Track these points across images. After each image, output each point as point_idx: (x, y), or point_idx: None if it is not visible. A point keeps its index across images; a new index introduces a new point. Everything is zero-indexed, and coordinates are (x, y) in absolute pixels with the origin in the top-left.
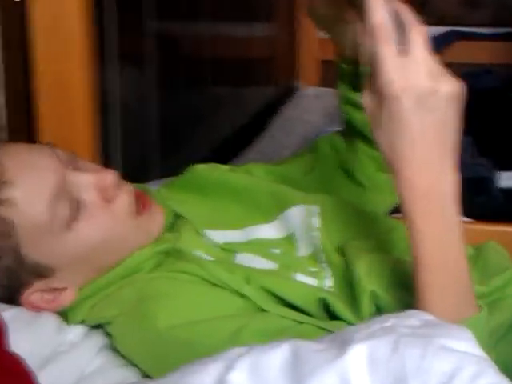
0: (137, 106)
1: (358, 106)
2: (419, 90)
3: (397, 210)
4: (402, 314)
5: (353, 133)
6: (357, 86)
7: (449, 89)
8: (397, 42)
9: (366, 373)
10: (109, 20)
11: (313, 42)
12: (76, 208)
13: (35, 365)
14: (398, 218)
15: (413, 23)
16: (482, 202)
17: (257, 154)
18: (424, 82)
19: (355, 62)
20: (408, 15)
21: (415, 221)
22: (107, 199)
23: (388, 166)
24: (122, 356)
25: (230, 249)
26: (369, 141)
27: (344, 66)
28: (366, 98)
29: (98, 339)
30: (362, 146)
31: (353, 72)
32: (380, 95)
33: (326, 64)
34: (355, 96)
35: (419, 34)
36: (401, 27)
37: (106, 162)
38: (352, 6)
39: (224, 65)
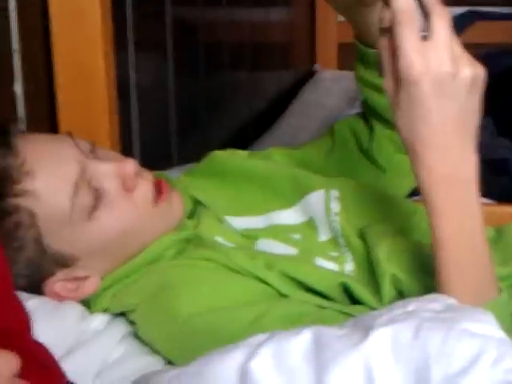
0: (155, 93)
1: (375, 88)
2: (439, 75)
3: (415, 192)
4: (424, 298)
5: (371, 114)
6: (376, 69)
7: (470, 73)
8: (419, 26)
9: (388, 358)
10: (127, 7)
11: (331, 25)
12: (97, 197)
13: (59, 353)
14: (418, 201)
15: (436, 7)
16: (504, 184)
17: (275, 139)
18: (444, 67)
19: (374, 45)
20: None
21: (435, 205)
22: (128, 188)
23: (408, 151)
24: (145, 343)
25: (250, 235)
26: (387, 122)
27: (362, 48)
28: (387, 82)
29: (121, 327)
30: (380, 128)
31: (371, 54)
32: (400, 79)
33: (343, 47)
34: (373, 78)
35: (442, 18)
36: (423, 11)
37: (126, 150)
38: None
39: (242, 50)
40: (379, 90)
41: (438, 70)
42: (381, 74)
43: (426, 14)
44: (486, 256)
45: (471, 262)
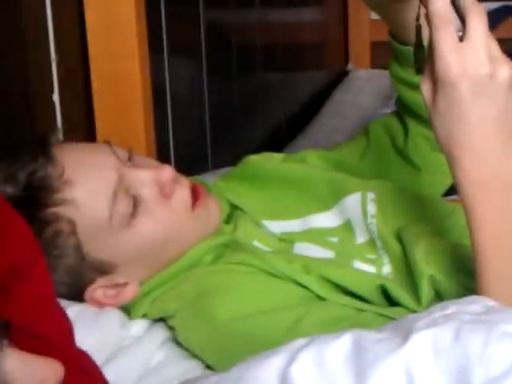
0: (190, 97)
1: (410, 85)
2: (477, 76)
3: (451, 191)
4: (463, 300)
5: (406, 112)
6: (419, 70)
7: (508, 74)
8: (456, 27)
9: (429, 361)
10: (161, 11)
11: (363, 23)
12: (135, 204)
13: (101, 360)
14: (455, 201)
15: (472, 6)
16: None
17: (310, 140)
18: (482, 68)
19: (409, 42)
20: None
21: (474, 209)
22: (165, 195)
23: (445, 154)
24: (185, 349)
25: (287, 239)
26: (422, 119)
27: (397, 45)
28: (424, 84)
29: (160, 332)
30: (415, 126)
31: (414, 56)
32: (438, 81)
33: (376, 46)
34: (408, 75)
35: (478, 18)
36: (460, 10)
37: (162, 155)
38: None
39: (275, 51)
40: (414, 87)
41: (476, 71)
42: (417, 72)
43: (461, 13)
44: None
45: (509, 266)
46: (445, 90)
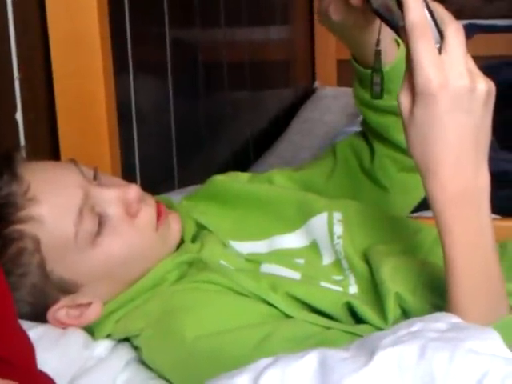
0: (156, 116)
1: (374, 108)
2: (457, 88)
3: (417, 209)
4: (429, 317)
5: (371, 134)
6: (376, 95)
7: (485, 88)
8: (434, 39)
9: (394, 379)
10: (126, 30)
11: (330, 41)
12: (100, 223)
13: (64, 382)
14: (420, 219)
15: (449, 20)
16: (506, 197)
17: (277, 157)
18: (462, 81)
19: (370, 65)
20: (443, 12)
21: (446, 222)
22: (131, 214)
23: (420, 169)
24: (150, 369)
25: (254, 259)
26: (388, 141)
27: (359, 68)
28: (401, 96)
29: (125, 353)
30: (381, 147)
31: (372, 81)
32: (416, 93)
33: (343, 64)
34: (373, 99)
35: (456, 31)
36: (437, 25)
37: (127, 173)
38: (366, 11)
39: (242, 69)
40: (377, 110)
41: (457, 83)
42: (372, 96)
43: (437, 25)
44: (498, 273)
45: (483, 279)
46: (424, 102)
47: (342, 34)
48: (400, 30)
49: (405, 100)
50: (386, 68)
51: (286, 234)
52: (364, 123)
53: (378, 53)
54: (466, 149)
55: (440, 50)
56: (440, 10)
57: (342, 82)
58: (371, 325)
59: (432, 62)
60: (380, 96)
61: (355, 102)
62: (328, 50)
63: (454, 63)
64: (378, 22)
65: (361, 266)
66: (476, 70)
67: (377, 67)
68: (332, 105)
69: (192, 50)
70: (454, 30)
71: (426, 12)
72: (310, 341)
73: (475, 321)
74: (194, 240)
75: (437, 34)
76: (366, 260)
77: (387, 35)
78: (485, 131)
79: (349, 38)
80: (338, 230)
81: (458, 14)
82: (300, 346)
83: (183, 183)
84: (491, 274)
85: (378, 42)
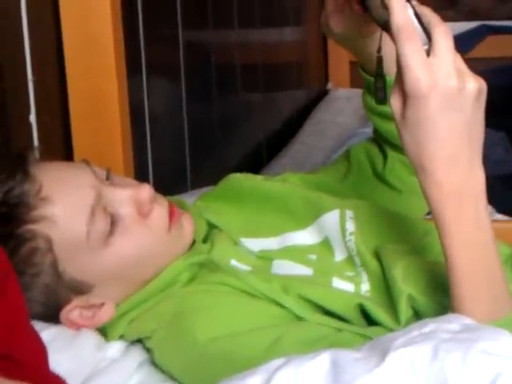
0: (169, 117)
1: (382, 116)
2: (447, 89)
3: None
4: (441, 318)
5: (382, 140)
6: (380, 101)
7: (475, 86)
8: (421, 42)
9: (407, 380)
10: (139, 32)
11: None
12: (113, 223)
13: (77, 383)
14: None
15: (436, 23)
16: None
17: (290, 159)
18: (452, 81)
19: (376, 77)
20: (431, 15)
21: (445, 221)
22: (143, 214)
23: (416, 169)
24: (162, 370)
25: (266, 256)
26: (398, 148)
27: (367, 77)
28: (393, 99)
29: (137, 355)
30: (392, 152)
31: (375, 86)
32: (407, 96)
33: (356, 65)
34: (381, 107)
35: (443, 33)
36: (424, 27)
37: (140, 175)
38: (368, 20)
39: (255, 71)
40: (387, 117)
41: (446, 83)
42: (377, 101)
43: (425, 27)
44: (499, 271)
45: (484, 277)
46: (414, 104)
47: (346, 43)
48: (390, 34)
49: (396, 102)
50: (390, 76)
51: (298, 230)
52: (374, 130)
53: (379, 59)
54: (459, 146)
55: (428, 52)
56: (427, 13)
57: (355, 83)
58: (383, 326)
59: (420, 63)
60: (384, 101)
61: (364, 109)
62: (341, 51)
63: (443, 64)
64: (380, 29)
65: (373, 263)
66: (465, 69)
67: (379, 73)
68: (345, 106)
69: (205, 52)
70: (442, 32)
71: (413, 15)
72: (322, 343)
73: (479, 319)
74: (205, 240)
75: (424, 37)
76: (378, 258)
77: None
78: (477, 128)
79: (353, 48)
80: (351, 226)
81: (470, 15)
82: (312, 347)
83: (196, 185)
84: (492, 270)
85: (379, 49)
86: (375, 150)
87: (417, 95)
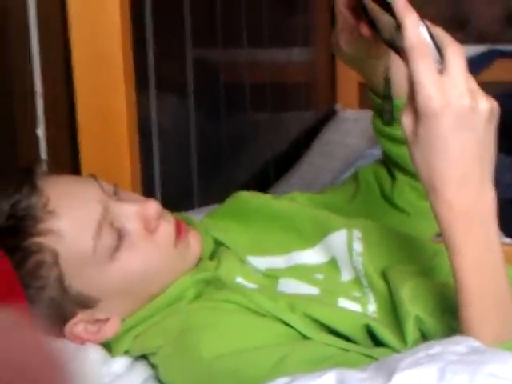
0: (177, 134)
1: (391, 139)
2: (459, 108)
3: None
4: (448, 340)
5: (391, 164)
6: (388, 122)
7: (487, 106)
8: (433, 61)
9: None
10: (148, 49)
11: None
12: (119, 238)
13: None
14: (441, 242)
15: (449, 42)
16: None
17: (298, 179)
18: (464, 100)
19: (384, 98)
20: (443, 34)
21: (455, 242)
22: (150, 229)
23: (426, 188)
24: None
25: (272, 275)
26: (407, 171)
27: (376, 99)
28: (404, 117)
29: (142, 370)
30: (401, 176)
31: (383, 108)
32: (419, 114)
33: (364, 86)
34: (388, 129)
35: (456, 52)
36: (437, 47)
37: (147, 191)
38: (378, 42)
39: (263, 90)
40: (396, 140)
41: (458, 103)
42: (384, 123)
43: (438, 47)
44: (508, 294)
45: (493, 300)
46: (426, 122)
47: (356, 64)
48: (402, 54)
49: (407, 120)
50: (400, 99)
51: (305, 249)
52: (383, 152)
53: (387, 81)
54: (471, 166)
55: (441, 71)
56: (440, 33)
57: (363, 104)
58: (390, 347)
59: (432, 81)
60: (391, 123)
61: (373, 132)
62: (350, 72)
63: (455, 83)
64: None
65: (380, 284)
66: (478, 89)
67: (386, 94)
68: (353, 128)
69: (214, 70)
70: (455, 51)
71: (427, 34)
72: (328, 362)
73: (487, 341)
74: (211, 257)
75: (437, 56)
76: (385, 279)
77: (401, 66)
78: (488, 149)
79: (363, 69)
80: (358, 247)
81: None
82: (317, 367)
83: (202, 202)
84: (501, 292)
85: (387, 70)
86: (384, 173)
87: (429, 113)
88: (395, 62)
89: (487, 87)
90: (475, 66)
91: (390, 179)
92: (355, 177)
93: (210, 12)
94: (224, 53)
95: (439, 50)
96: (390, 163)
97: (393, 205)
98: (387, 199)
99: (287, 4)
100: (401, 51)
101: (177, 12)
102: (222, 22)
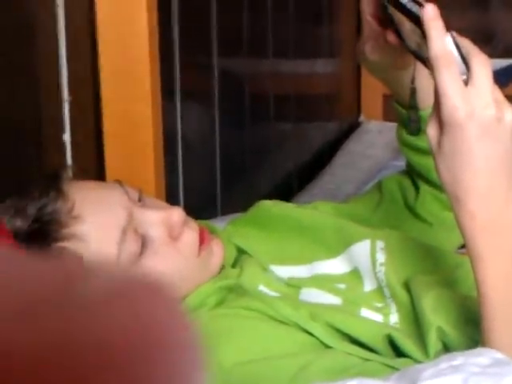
0: (201, 143)
1: (416, 150)
2: (485, 118)
3: (463, 245)
4: (471, 351)
5: (415, 174)
6: (413, 132)
7: None
8: (459, 71)
9: None
10: (175, 58)
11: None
12: (143, 244)
13: None
14: (465, 254)
15: (475, 53)
16: None
17: (320, 190)
18: (490, 111)
19: (410, 108)
20: (469, 45)
21: (479, 253)
22: (174, 237)
23: (450, 198)
24: None
25: (294, 284)
26: (431, 182)
27: (401, 110)
28: (429, 127)
29: None
30: (425, 187)
31: (408, 118)
32: (444, 124)
33: (389, 98)
34: (413, 140)
35: (482, 63)
36: (462, 57)
37: (171, 198)
38: (404, 51)
39: (287, 101)
40: (420, 151)
41: (484, 113)
42: (409, 132)
43: (463, 57)
44: None
45: None
46: (451, 132)
47: (381, 74)
48: (428, 64)
49: (432, 131)
50: (425, 110)
51: (327, 259)
52: (407, 163)
53: (413, 90)
54: (496, 177)
55: (466, 82)
56: (466, 44)
57: (387, 116)
58: (411, 358)
59: (457, 91)
60: (416, 133)
61: (398, 143)
62: (374, 84)
63: (481, 93)
64: (414, 61)
65: (402, 294)
66: (503, 100)
67: (412, 104)
68: (376, 139)
69: (239, 80)
70: (480, 62)
71: (453, 45)
72: (349, 372)
73: (509, 353)
74: (234, 265)
75: (463, 67)
76: (408, 289)
77: (427, 76)
78: None
79: (388, 79)
80: (381, 257)
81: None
82: (338, 376)
83: (226, 211)
84: None
85: (412, 80)
86: (408, 183)
87: (454, 124)
88: (421, 71)
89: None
90: (502, 78)
91: (414, 189)
92: (379, 186)
93: (236, 22)
94: (249, 63)
95: (465, 61)
96: (413, 173)
97: (416, 215)
98: (410, 209)
99: (313, 15)
100: (426, 61)
101: (203, 22)
102: (247, 33)
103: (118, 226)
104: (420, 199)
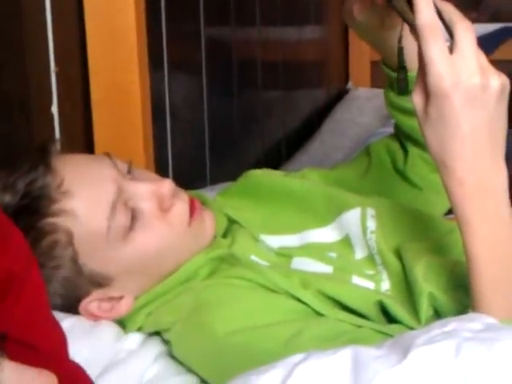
0: (189, 112)
1: (405, 112)
2: (470, 86)
3: (451, 211)
4: (463, 317)
5: (403, 137)
6: (402, 92)
7: (498, 83)
8: (444, 40)
9: (428, 378)
10: (162, 27)
11: (364, 42)
12: (133, 217)
13: (94, 373)
14: (453, 219)
15: (459, 20)
16: None
17: (309, 157)
18: (475, 79)
19: (398, 68)
20: (452, 11)
21: (466, 217)
22: (164, 208)
23: (438, 165)
24: (180, 363)
25: (285, 253)
26: (419, 144)
27: (389, 72)
28: (415, 96)
29: (155, 346)
30: (413, 149)
31: (397, 77)
32: (430, 93)
33: (377, 65)
34: (401, 101)
35: (466, 30)
36: (445, 24)
37: (160, 168)
38: (391, 12)
39: (276, 68)
40: (408, 113)
41: (469, 81)
42: (398, 92)
43: (446, 24)
44: None
45: (505, 274)
46: (437, 101)
47: (368, 35)
48: (413, 29)
49: (418, 99)
50: (413, 71)
51: (318, 228)
52: (395, 126)
53: (400, 49)
54: (482, 143)
55: (451, 49)
56: (449, 9)
57: (375, 83)
58: (403, 324)
59: (443, 60)
60: (405, 92)
61: (386, 106)
62: (362, 50)
63: (465, 61)
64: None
65: (394, 261)
66: (488, 66)
67: (400, 63)
68: (365, 106)
69: (226, 48)
70: (464, 28)
71: (436, 12)
72: (341, 339)
73: (499, 314)
74: (225, 235)
75: (446, 33)
76: (399, 256)
77: None
78: (500, 125)
79: (376, 40)
80: (371, 225)
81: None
82: (330, 343)
83: (215, 180)
84: (511, 269)
85: (400, 39)
86: (396, 146)
87: (440, 92)
88: (408, 31)
89: (500, 65)
90: (488, 44)
91: (403, 153)
92: (367, 151)
93: None
94: (236, 31)
95: (447, 28)
96: (402, 136)
97: (405, 178)
98: (399, 173)
99: None
100: (411, 27)
101: None
102: (234, 0)
103: (108, 201)
104: (409, 162)
